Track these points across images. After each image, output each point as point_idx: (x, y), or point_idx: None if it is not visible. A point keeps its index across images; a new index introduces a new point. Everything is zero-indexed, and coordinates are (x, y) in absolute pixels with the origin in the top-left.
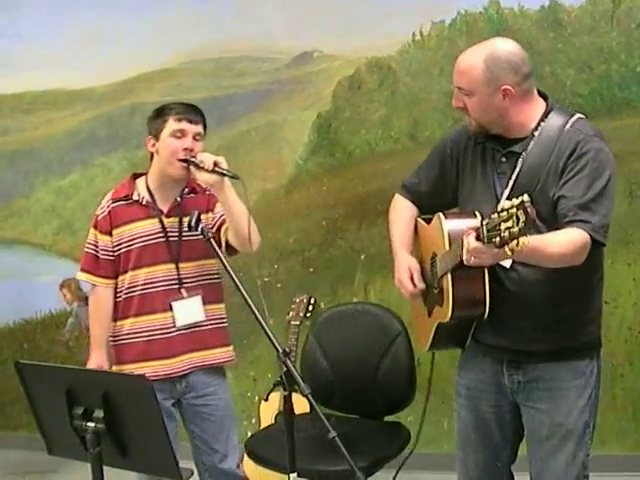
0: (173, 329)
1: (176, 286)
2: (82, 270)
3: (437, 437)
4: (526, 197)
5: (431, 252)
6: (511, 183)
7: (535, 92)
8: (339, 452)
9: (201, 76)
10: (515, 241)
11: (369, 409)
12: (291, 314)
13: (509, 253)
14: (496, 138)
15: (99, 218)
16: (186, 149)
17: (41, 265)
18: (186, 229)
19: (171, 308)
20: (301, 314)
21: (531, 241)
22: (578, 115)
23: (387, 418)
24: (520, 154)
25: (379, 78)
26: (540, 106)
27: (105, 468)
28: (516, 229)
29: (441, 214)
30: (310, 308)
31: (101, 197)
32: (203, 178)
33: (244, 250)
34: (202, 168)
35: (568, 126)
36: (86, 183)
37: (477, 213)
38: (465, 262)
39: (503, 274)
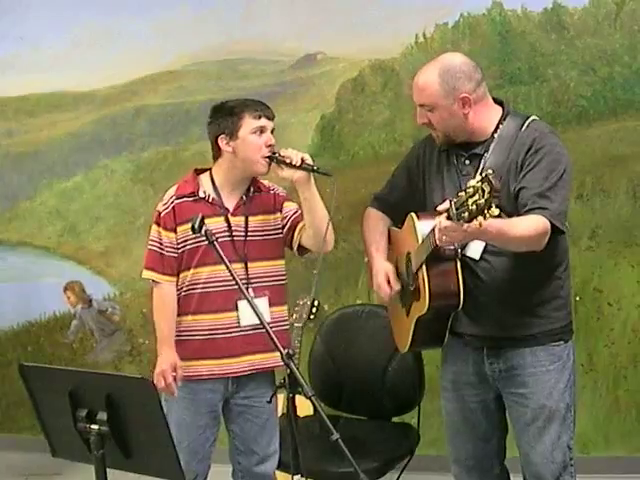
0: (236, 329)
1: (243, 286)
2: (147, 268)
3: (441, 438)
4: (490, 170)
5: (405, 253)
6: None
7: (490, 98)
8: (344, 454)
9: (205, 78)
10: (483, 213)
11: (377, 410)
12: (294, 316)
13: (478, 226)
14: (459, 144)
15: (162, 215)
16: (270, 145)
17: (45, 267)
18: (258, 230)
19: (236, 307)
20: (305, 316)
21: (497, 222)
22: (533, 117)
23: (393, 419)
24: (482, 155)
25: (383, 80)
26: (497, 110)
27: (109, 470)
28: (482, 200)
29: (413, 214)
30: (314, 310)
31: (105, 201)
32: (288, 174)
33: (318, 250)
34: (287, 164)
35: (525, 126)
36: (90, 185)
37: (463, 188)
38: (437, 242)
39: (474, 265)
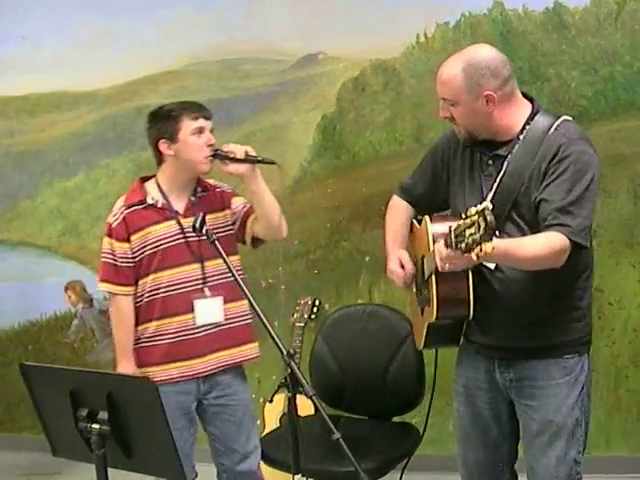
0: (200, 328)
1: (199, 286)
2: (102, 280)
3: (442, 438)
4: (486, 204)
5: (421, 254)
6: (495, 185)
7: (519, 94)
8: (345, 453)
9: (206, 78)
10: (478, 247)
11: (378, 410)
12: (295, 316)
13: (475, 259)
14: (483, 142)
15: (113, 226)
16: (211, 145)
17: (46, 267)
18: (190, 231)
19: (193, 308)
20: (305, 316)
21: (504, 244)
22: (564, 117)
23: (394, 419)
24: (505, 157)
25: (384, 80)
26: (525, 108)
27: (110, 470)
28: (477, 236)
29: (427, 217)
30: (315, 310)
31: (107, 201)
32: (233, 169)
33: (273, 239)
34: (232, 159)
35: (553, 129)
36: (91, 185)
37: (463, 215)
38: (439, 269)
39: (489, 274)
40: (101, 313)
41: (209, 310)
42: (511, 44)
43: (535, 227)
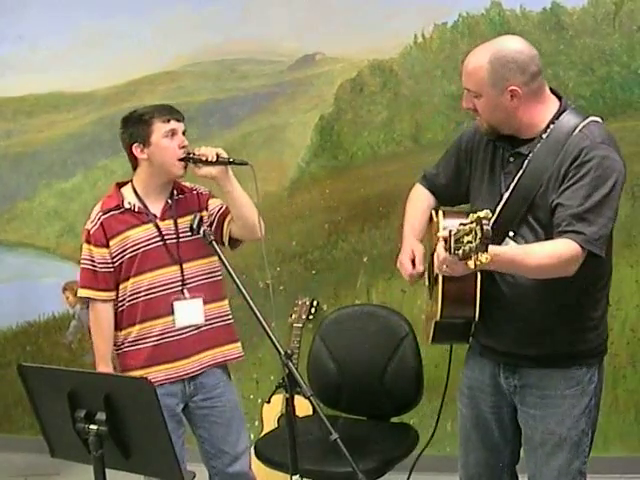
0: (180, 331)
1: (179, 287)
2: (82, 287)
3: (440, 439)
4: (484, 212)
5: (433, 249)
6: (513, 185)
7: (547, 91)
8: (343, 454)
9: (204, 79)
10: (475, 256)
11: (376, 411)
12: (294, 316)
13: (472, 267)
14: (507, 138)
15: (91, 232)
16: (183, 147)
17: (44, 268)
18: (188, 232)
19: (172, 310)
20: (304, 316)
21: (510, 253)
22: (591, 118)
23: (392, 420)
24: (527, 155)
25: (381, 80)
26: (552, 106)
27: (108, 470)
28: (474, 244)
29: (441, 211)
30: (313, 310)
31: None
32: (206, 171)
33: (251, 239)
34: (204, 162)
35: (577, 130)
36: (89, 186)
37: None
38: (437, 271)
39: (499, 277)
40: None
41: (189, 312)
42: None
43: (550, 230)
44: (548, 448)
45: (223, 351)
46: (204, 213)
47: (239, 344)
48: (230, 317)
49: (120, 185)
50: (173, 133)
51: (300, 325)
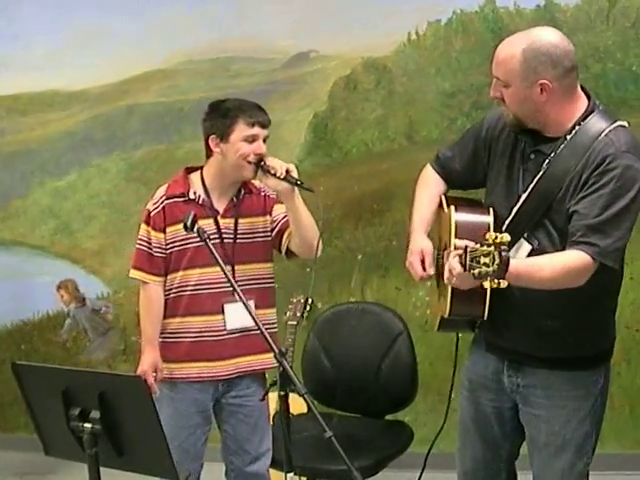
0: (224, 332)
1: (230, 288)
2: (135, 267)
3: (434, 436)
4: (506, 237)
5: (445, 240)
6: (532, 186)
7: (578, 89)
8: (338, 451)
9: (197, 77)
10: (493, 279)
11: (371, 408)
12: (288, 314)
13: (486, 286)
14: (530, 132)
15: (152, 214)
16: (258, 154)
17: (38, 266)
18: (248, 232)
19: (222, 310)
20: (298, 314)
21: (522, 265)
22: (619, 122)
23: (387, 417)
24: (549, 155)
25: (375, 78)
26: (581, 105)
27: (102, 469)
28: (490, 269)
29: (453, 206)
30: (307, 308)
31: (99, 200)
32: (272, 184)
33: (305, 257)
34: (272, 174)
35: (603, 134)
36: (83, 184)
37: (490, 210)
38: (446, 281)
39: None
40: (93, 312)
41: (239, 314)
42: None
43: (565, 235)
44: (552, 449)
45: (261, 359)
46: (267, 218)
47: None
48: (275, 326)
49: (189, 170)
50: (254, 139)
51: (294, 323)
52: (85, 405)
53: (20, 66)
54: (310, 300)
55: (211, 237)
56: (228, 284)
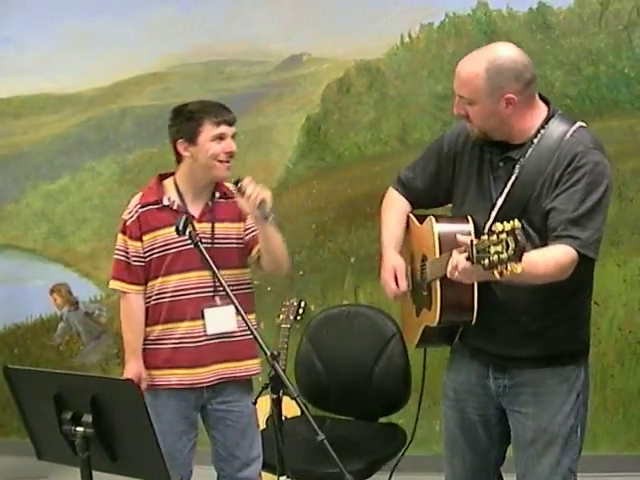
0: (202, 338)
1: (210, 293)
2: (114, 278)
3: (428, 439)
4: (517, 223)
5: (422, 254)
6: (506, 190)
7: (537, 98)
8: (330, 454)
9: (190, 79)
10: (504, 265)
11: (364, 411)
12: (281, 317)
13: (497, 277)
14: (496, 143)
15: (128, 223)
16: (229, 152)
17: (32, 270)
18: (224, 238)
19: (202, 316)
20: (291, 317)
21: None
22: (579, 124)
23: (380, 420)
24: (517, 160)
25: (368, 81)
26: (542, 112)
27: (95, 473)
28: (505, 255)
29: (432, 217)
30: (300, 311)
31: (91, 203)
32: (243, 205)
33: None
34: (246, 196)
35: (568, 135)
36: (76, 187)
37: (469, 218)
38: (449, 275)
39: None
40: (87, 316)
41: (220, 319)
42: None
43: (544, 235)
44: (540, 445)
45: (243, 366)
46: (242, 225)
47: (258, 360)
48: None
49: (162, 177)
50: (222, 137)
51: (288, 326)
52: (77, 409)
53: (12, 69)
54: (303, 303)
55: (187, 243)
56: (208, 289)
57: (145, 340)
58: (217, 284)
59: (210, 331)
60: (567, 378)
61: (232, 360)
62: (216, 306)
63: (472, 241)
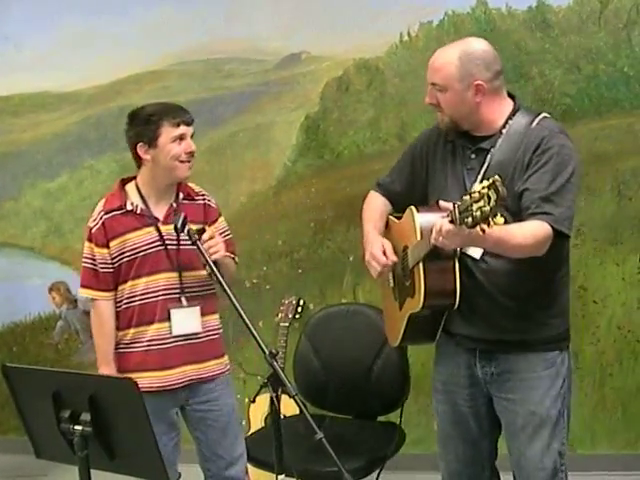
0: (170, 339)
1: (177, 295)
2: (83, 286)
3: (426, 437)
4: (496, 177)
5: (402, 246)
6: (479, 178)
7: (504, 92)
8: (329, 453)
9: (189, 78)
10: (487, 220)
11: (363, 409)
12: (280, 316)
13: (481, 233)
14: (466, 136)
15: (93, 231)
16: (190, 152)
17: (30, 268)
18: (171, 238)
19: (169, 317)
20: (290, 315)
21: (496, 231)
22: (544, 114)
23: (379, 419)
24: (489, 150)
25: (367, 79)
26: (508, 105)
27: (93, 471)
28: (488, 208)
29: (413, 207)
30: (299, 309)
31: (90, 202)
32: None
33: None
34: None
35: (534, 124)
36: (75, 186)
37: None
38: (433, 241)
39: (473, 265)
40: (85, 314)
41: (186, 320)
42: (494, 43)
43: (518, 217)
44: (530, 430)
45: (208, 366)
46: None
47: (225, 358)
48: (220, 331)
49: (124, 182)
50: (181, 137)
51: (286, 324)
52: (76, 407)
53: (11, 67)
54: (302, 302)
55: (155, 245)
56: (176, 291)
57: (118, 344)
58: (184, 285)
59: (175, 332)
60: (553, 363)
61: (198, 361)
62: (182, 307)
63: (455, 204)
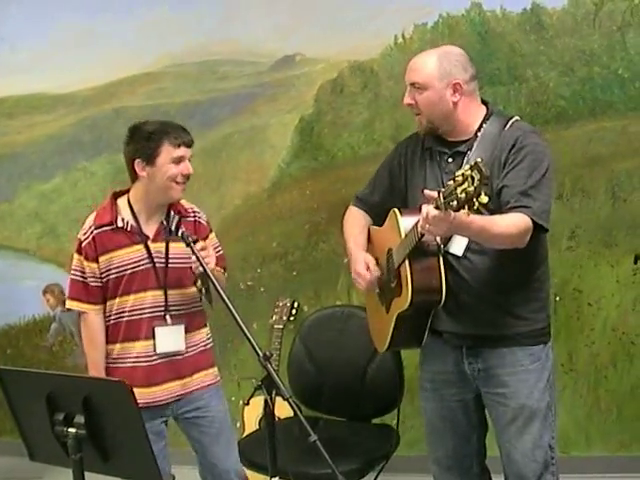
0: (155, 357)
1: (162, 312)
2: (71, 298)
3: (421, 440)
4: (479, 159)
5: (386, 249)
6: None
7: (478, 97)
8: (322, 455)
9: (184, 79)
10: (472, 201)
11: (357, 412)
12: (274, 318)
13: (466, 215)
14: (442, 141)
15: (83, 245)
16: (185, 175)
17: (24, 270)
18: (178, 257)
19: (154, 334)
20: (284, 318)
21: (480, 219)
22: (516, 117)
23: (373, 421)
24: (465, 153)
25: (362, 81)
26: (482, 110)
27: (87, 474)
28: (472, 188)
29: (396, 210)
30: (293, 312)
31: (85, 203)
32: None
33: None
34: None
35: (507, 126)
36: (69, 187)
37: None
38: (420, 229)
39: (456, 263)
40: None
41: (170, 338)
42: (489, 45)
43: (497, 213)
44: (520, 422)
45: (195, 380)
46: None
47: (214, 369)
48: (209, 343)
49: (116, 195)
50: (180, 160)
51: (281, 326)
52: (69, 410)
53: (6, 68)
54: (296, 304)
55: (143, 263)
56: (161, 309)
57: (107, 358)
58: (169, 303)
59: (159, 350)
60: (539, 357)
61: (183, 377)
62: (166, 325)
63: (439, 191)
